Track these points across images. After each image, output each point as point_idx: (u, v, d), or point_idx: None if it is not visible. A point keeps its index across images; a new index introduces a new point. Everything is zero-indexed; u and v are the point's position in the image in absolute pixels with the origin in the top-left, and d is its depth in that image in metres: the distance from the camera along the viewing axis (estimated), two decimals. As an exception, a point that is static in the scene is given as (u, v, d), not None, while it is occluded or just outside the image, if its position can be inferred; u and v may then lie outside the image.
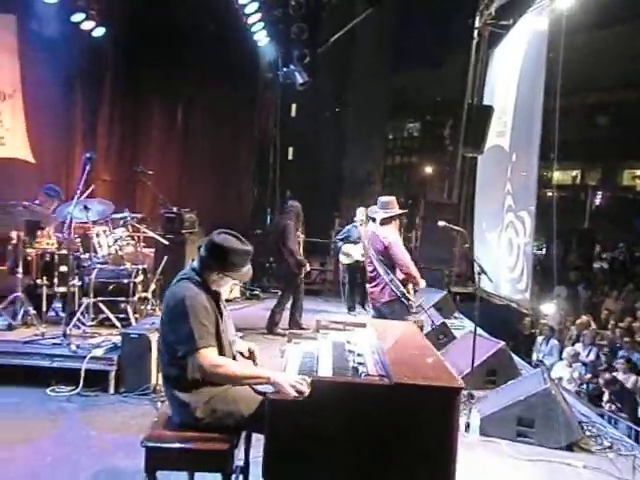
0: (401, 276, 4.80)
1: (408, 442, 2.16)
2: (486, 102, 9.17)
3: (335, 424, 2.16)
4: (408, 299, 4.79)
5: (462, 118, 8.85)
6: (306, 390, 2.22)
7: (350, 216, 8.68)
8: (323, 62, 8.99)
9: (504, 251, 8.28)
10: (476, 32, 9.43)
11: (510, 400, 3.99)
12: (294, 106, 10.20)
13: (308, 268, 7.04)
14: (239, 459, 2.70)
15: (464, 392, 4.24)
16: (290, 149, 10.53)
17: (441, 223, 5.16)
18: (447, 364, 2.45)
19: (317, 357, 2.71)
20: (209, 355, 2.43)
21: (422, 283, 4.88)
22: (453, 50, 10.82)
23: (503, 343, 5.03)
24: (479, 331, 4.82)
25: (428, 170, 24.43)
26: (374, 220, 5.01)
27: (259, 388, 2.60)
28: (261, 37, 8.33)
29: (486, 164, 9.36)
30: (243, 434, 2.62)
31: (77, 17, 7.51)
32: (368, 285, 5.07)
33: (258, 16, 7.78)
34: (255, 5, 7.49)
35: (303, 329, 5.97)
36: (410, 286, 4.84)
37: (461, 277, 9.69)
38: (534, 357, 8.92)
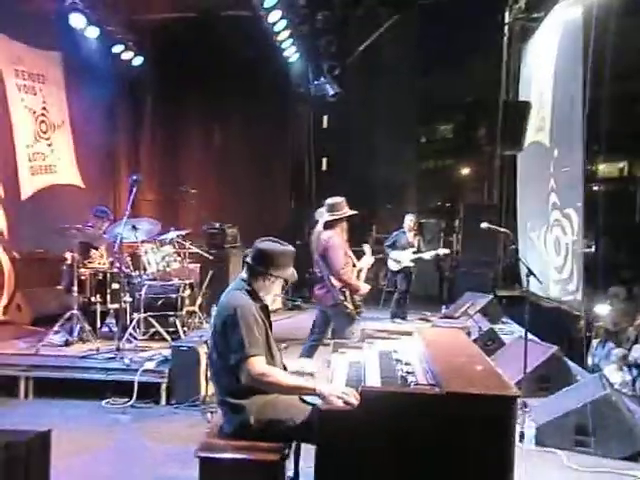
0: (338, 283, 4.56)
1: (462, 453, 2.11)
2: (522, 98, 8.96)
3: (386, 434, 2.14)
4: (346, 307, 4.55)
5: (498, 116, 8.68)
6: (354, 401, 2.22)
7: (393, 223, 8.63)
8: (352, 72, 9.04)
9: (551, 251, 8.04)
10: (506, 27, 9.26)
11: (567, 408, 3.82)
12: (325, 117, 10.28)
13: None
14: (289, 470, 2.73)
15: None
16: (324, 160, 10.61)
17: (484, 225, 5.00)
18: (500, 371, 2.40)
19: (364, 367, 2.69)
20: (257, 364, 2.48)
21: (363, 289, 4.64)
22: (483, 48, 10.66)
23: (556, 348, 4.83)
24: (530, 336, 4.67)
25: (464, 172, 23.99)
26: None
27: (307, 399, 2.64)
28: (291, 53, 8.48)
29: (526, 162, 9.12)
30: (293, 445, 2.64)
31: (117, 48, 7.91)
32: (315, 286, 4.83)
33: (287, 33, 7.92)
34: (283, 23, 7.63)
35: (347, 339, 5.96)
36: (348, 293, 4.58)
37: (507, 280, 9.46)
38: (589, 362, 8.57)
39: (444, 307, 8.19)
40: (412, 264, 7.85)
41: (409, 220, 7.90)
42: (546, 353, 4.77)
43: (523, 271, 7.51)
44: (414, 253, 7.83)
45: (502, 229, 5.94)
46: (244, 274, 2.76)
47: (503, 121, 8.29)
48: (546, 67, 8.24)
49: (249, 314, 2.55)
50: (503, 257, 9.33)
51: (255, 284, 2.71)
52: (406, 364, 2.57)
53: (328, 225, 4.63)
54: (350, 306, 4.58)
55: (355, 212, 4.76)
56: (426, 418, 2.12)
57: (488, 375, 2.35)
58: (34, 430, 2.47)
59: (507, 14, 9.20)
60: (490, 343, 5.49)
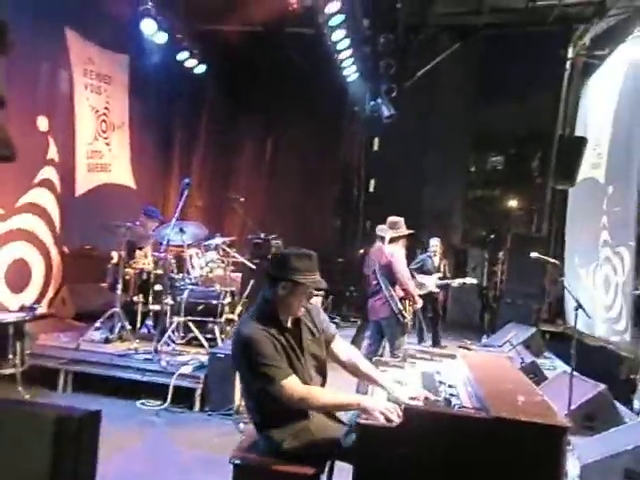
0: (400, 293, 5.07)
1: (506, 482, 2.01)
2: (578, 134, 8.83)
3: (427, 456, 2.06)
4: (404, 317, 5.03)
5: (552, 150, 8.57)
6: (396, 419, 2.15)
7: (423, 246, 8.59)
8: (409, 95, 9.07)
9: (600, 289, 7.75)
10: (568, 63, 9.19)
11: (616, 449, 3.62)
12: (377, 140, 10.32)
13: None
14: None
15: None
16: (372, 181, 10.62)
17: (534, 254, 5.00)
18: (549, 401, 2.29)
19: (406, 386, 2.64)
20: (292, 386, 2.33)
21: (419, 303, 5.24)
22: (542, 81, 10.58)
23: (604, 386, 4.64)
24: (574, 373, 4.50)
25: (513, 203, 23.60)
26: (382, 238, 5.31)
27: (343, 418, 2.58)
28: (350, 72, 8.58)
29: (579, 197, 8.92)
30: (328, 463, 2.58)
31: (181, 55, 8.12)
32: (371, 299, 5.29)
33: (348, 52, 8.01)
34: (346, 42, 7.73)
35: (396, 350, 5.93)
36: (407, 304, 5.09)
37: (551, 314, 9.19)
38: (636, 405, 8.14)
39: (485, 336, 7.99)
40: (437, 290, 7.74)
41: (434, 245, 7.90)
42: (592, 391, 4.61)
43: (569, 306, 7.26)
44: (440, 279, 7.73)
45: (552, 260, 5.84)
46: (264, 290, 2.51)
47: (557, 155, 8.20)
48: (607, 105, 8.08)
49: (259, 341, 2.35)
50: (549, 290, 9.08)
51: (276, 296, 2.44)
52: (450, 386, 2.50)
53: (393, 240, 5.12)
54: (408, 316, 5.03)
55: (413, 232, 5.30)
56: (469, 442, 2.04)
57: (537, 404, 2.25)
58: (85, 408, 2.46)
59: (571, 49, 9.14)
60: (532, 376, 5.29)
